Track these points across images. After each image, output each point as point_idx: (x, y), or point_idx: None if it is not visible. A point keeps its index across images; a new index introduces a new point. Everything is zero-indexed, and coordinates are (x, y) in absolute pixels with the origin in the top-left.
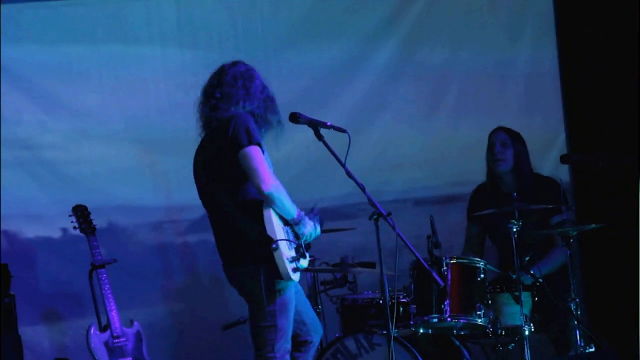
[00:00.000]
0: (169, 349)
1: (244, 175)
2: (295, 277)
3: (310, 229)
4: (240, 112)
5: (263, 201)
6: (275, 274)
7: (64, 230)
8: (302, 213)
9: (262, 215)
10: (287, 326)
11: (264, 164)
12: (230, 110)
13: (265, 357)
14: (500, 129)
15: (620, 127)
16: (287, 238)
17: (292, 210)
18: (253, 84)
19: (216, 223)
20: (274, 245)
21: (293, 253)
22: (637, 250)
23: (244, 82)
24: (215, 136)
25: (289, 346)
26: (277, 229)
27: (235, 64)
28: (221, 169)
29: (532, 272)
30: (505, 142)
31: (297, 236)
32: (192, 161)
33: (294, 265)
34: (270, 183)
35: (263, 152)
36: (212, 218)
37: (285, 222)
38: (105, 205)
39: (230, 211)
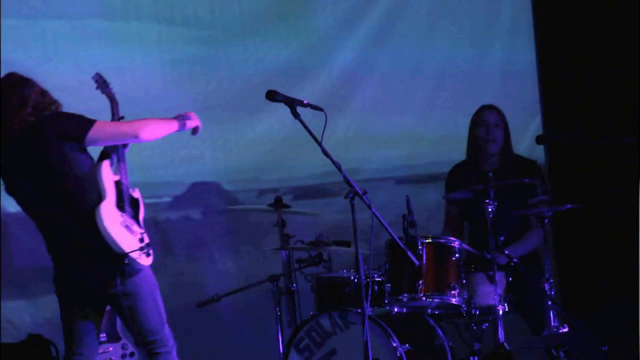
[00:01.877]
0: None
1: (80, 180)
2: (148, 261)
3: (198, 122)
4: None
5: (95, 211)
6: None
7: None
8: (181, 115)
9: (98, 229)
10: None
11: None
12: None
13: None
14: (490, 108)
15: (595, 109)
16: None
17: (171, 125)
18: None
19: (54, 234)
20: (126, 261)
21: (136, 245)
22: (614, 231)
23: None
24: (36, 137)
25: None
26: (118, 235)
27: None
28: (53, 177)
29: (506, 252)
30: (498, 123)
31: (132, 214)
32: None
33: (144, 253)
34: (137, 125)
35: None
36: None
37: (120, 206)
38: None
39: (70, 225)
